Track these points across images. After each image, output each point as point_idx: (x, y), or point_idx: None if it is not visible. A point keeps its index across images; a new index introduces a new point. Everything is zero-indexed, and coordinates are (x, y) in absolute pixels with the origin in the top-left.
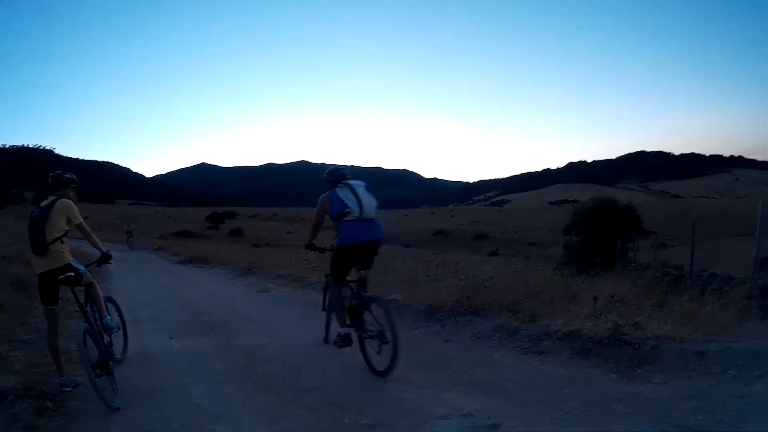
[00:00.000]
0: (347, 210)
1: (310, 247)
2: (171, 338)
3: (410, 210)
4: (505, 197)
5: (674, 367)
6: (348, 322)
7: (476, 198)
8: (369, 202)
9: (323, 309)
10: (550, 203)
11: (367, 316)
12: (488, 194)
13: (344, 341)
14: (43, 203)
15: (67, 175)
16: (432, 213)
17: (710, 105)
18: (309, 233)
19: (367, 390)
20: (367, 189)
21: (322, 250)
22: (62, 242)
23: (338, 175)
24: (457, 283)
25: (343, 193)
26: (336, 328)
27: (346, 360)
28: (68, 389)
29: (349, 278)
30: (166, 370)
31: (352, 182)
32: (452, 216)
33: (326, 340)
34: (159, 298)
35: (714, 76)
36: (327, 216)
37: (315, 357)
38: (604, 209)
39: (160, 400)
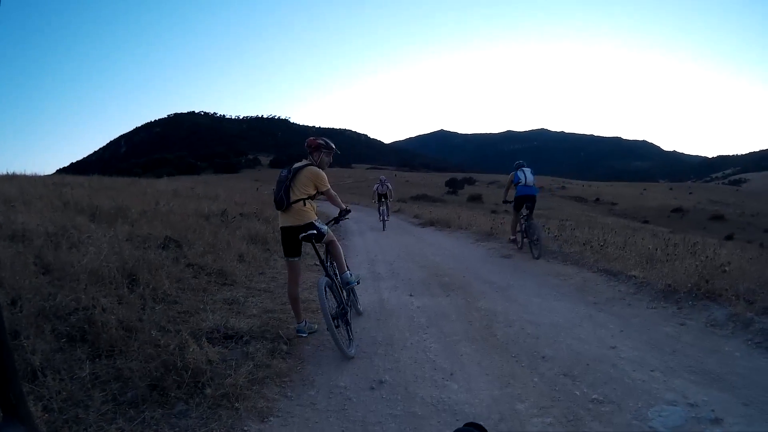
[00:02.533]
0: (520, 180)
1: (505, 201)
2: (411, 296)
3: (649, 183)
4: (743, 176)
5: None
6: (519, 230)
7: (714, 175)
8: (530, 178)
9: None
10: None
11: (530, 230)
12: (726, 171)
13: (513, 241)
14: (295, 165)
15: (320, 140)
16: (670, 189)
17: None
18: (504, 193)
19: (601, 364)
20: (532, 171)
21: (508, 202)
22: (305, 204)
23: (519, 164)
24: (696, 265)
25: (520, 172)
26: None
27: (584, 333)
28: (304, 335)
29: (522, 213)
30: (404, 326)
31: (525, 168)
32: (690, 193)
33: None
34: (399, 256)
35: None
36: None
37: (553, 327)
38: None
39: (395, 353)
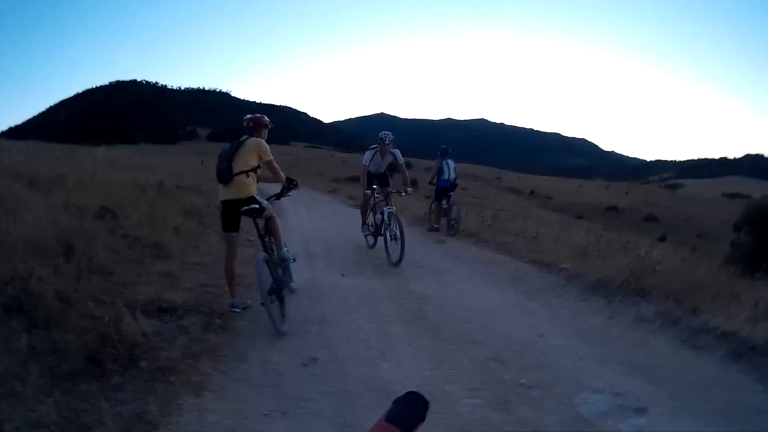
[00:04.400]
0: (443, 173)
1: (431, 183)
2: (343, 275)
3: (585, 180)
4: (680, 181)
5: None
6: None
7: (652, 178)
8: (452, 173)
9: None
10: (723, 194)
11: (450, 212)
12: (664, 175)
13: (435, 230)
14: (236, 141)
15: (265, 119)
16: (607, 187)
17: None
18: (431, 176)
19: (530, 351)
20: (454, 162)
21: (431, 184)
22: (248, 176)
23: (444, 149)
24: (628, 262)
25: (445, 164)
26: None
27: (514, 320)
28: (237, 310)
29: (443, 202)
30: (336, 304)
31: (449, 160)
32: (626, 193)
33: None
34: (333, 237)
35: None
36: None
37: (484, 313)
38: None
39: (328, 331)
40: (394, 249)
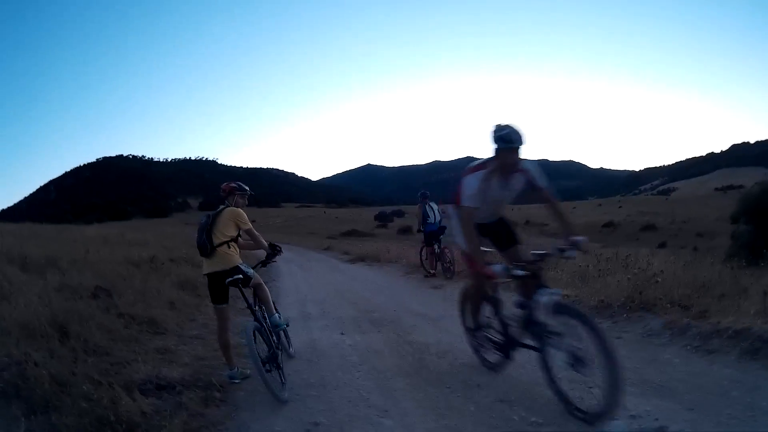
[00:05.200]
0: (428, 217)
1: (419, 231)
2: (342, 334)
3: (578, 202)
4: (671, 185)
5: None
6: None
7: (643, 187)
8: (437, 215)
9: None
10: (716, 189)
11: (442, 256)
12: (654, 182)
13: (432, 276)
14: (213, 212)
15: (233, 184)
16: (600, 205)
17: None
18: (417, 223)
19: (537, 387)
20: (437, 204)
21: (420, 231)
22: (230, 246)
23: (424, 194)
24: (629, 278)
25: (428, 207)
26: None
27: (519, 358)
28: (237, 381)
29: (434, 246)
30: (336, 365)
31: (431, 203)
32: (620, 207)
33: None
34: (329, 295)
35: None
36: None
37: None
38: None
39: (328, 394)
40: (449, 271)
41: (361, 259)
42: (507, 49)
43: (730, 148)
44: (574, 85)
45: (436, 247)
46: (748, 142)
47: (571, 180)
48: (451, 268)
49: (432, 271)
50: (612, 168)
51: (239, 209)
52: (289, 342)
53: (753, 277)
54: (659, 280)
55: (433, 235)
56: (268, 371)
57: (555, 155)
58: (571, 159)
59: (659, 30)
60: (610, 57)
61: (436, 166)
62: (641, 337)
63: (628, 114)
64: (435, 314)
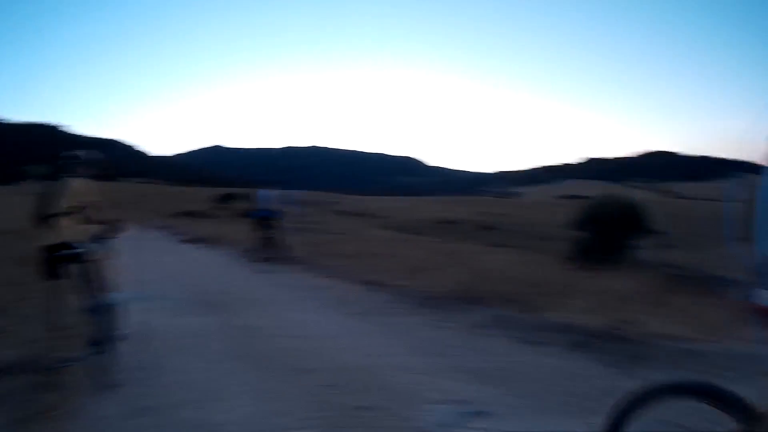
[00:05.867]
0: (260, 201)
1: (251, 214)
2: (175, 316)
3: (418, 198)
4: (517, 189)
5: (671, 365)
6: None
7: (487, 188)
8: (266, 200)
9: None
10: (560, 197)
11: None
12: (501, 185)
13: (267, 260)
14: (52, 182)
15: (78, 153)
16: (440, 202)
17: (731, 109)
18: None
19: (365, 373)
20: (269, 193)
21: (251, 215)
22: (67, 219)
23: (263, 181)
24: (458, 272)
25: (261, 191)
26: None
27: (347, 344)
28: (67, 365)
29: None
30: (169, 348)
31: (263, 190)
32: (460, 206)
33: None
34: (164, 276)
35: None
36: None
37: (316, 339)
38: (611, 205)
39: (160, 377)
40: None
41: (200, 240)
42: (362, 36)
43: (587, 161)
44: (422, 80)
45: (269, 231)
46: (606, 158)
47: (411, 176)
48: (284, 253)
49: (266, 256)
50: (453, 168)
51: (81, 180)
52: (123, 324)
53: (586, 279)
54: (489, 275)
55: (263, 219)
56: (100, 353)
57: (396, 150)
58: (409, 155)
59: (528, 36)
60: (465, 58)
61: (289, 151)
62: (468, 328)
63: (474, 117)
64: (267, 298)
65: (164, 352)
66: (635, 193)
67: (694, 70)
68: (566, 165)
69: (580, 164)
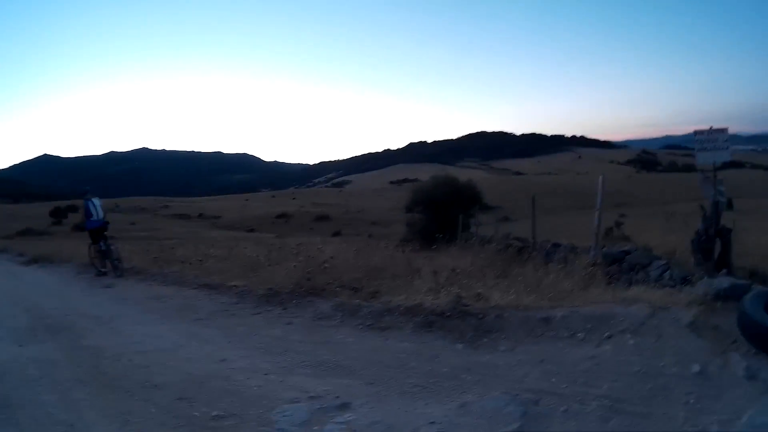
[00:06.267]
0: (92, 214)
1: (83, 228)
2: (20, 346)
3: (251, 194)
4: (346, 178)
5: (521, 335)
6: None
7: (317, 180)
8: (100, 211)
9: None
10: (390, 182)
11: (109, 254)
12: (329, 176)
13: (103, 274)
14: None
15: None
16: (273, 197)
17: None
18: (85, 221)
19: (215, 381)
20: (100, 200)
21: (83, 229)
22: None
23: (86, 190)
24: (297, 266)
25: (90, 204)
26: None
27: (192, 353)
28: None
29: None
30: (17, 381)
31: (93, 199)
32: (293, 199)
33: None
34: (2, 303)
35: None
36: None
37: (161, 352)
38: (444, 186)
39: (13, 415)
40: (117, 269)
41: (35, 260)
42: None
43: (407, 146)
44: (255, 81)
45: (102, 243)
46: (425, 142)
47: (245, 173)
48: (119, 265)
49: (103, 270)
50: (286, 162)
51: None
52: None
53: (426, 259)
54: (328, 266)
55: (97, 231)
56: None
57: (230, 148)
58: (245, 152)
59: (338, 31)
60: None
61: (112, 157)
62: (312, 321)
63: (302, 111)
64: (107, 315)
65: (14, 387)
66: (467, 173)
67: (515, 57)
68: (389, 150)
69: (402, 149)
